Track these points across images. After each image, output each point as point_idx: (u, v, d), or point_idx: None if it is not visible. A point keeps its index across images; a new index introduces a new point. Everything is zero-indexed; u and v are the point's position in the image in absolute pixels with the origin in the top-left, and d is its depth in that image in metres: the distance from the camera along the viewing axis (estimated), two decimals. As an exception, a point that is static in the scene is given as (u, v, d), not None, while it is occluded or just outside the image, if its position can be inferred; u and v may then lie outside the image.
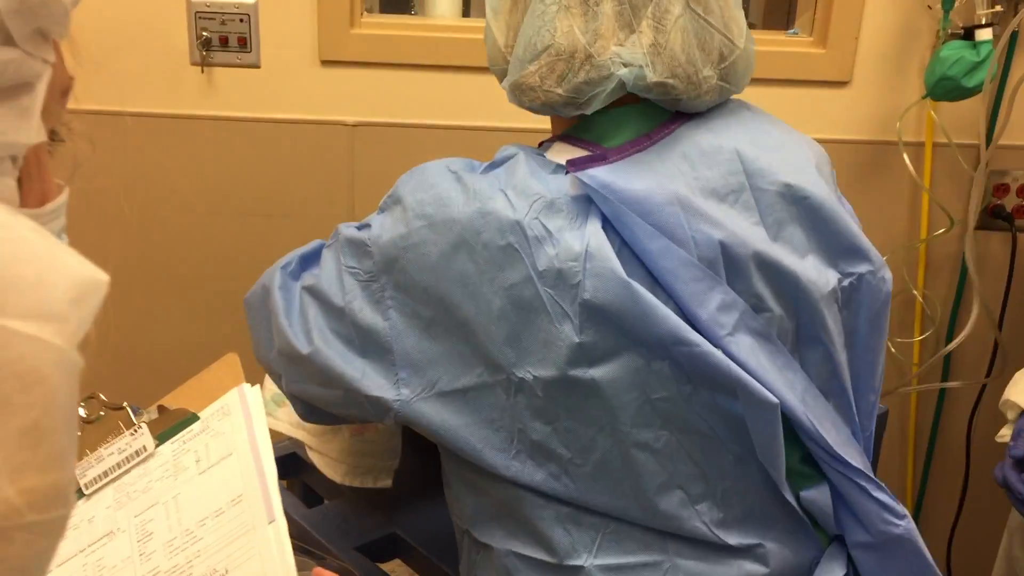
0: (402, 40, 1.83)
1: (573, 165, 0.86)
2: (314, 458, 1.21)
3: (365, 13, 1.86)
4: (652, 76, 0.84)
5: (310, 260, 1.01)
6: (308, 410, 1.02)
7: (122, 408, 0.72)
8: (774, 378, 0.86)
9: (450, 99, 1.88)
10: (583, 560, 0.89)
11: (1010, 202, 1.86)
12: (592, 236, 0.82)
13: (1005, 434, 1.28)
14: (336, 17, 1.79)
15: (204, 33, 1.78)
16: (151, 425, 0.72)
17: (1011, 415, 1.28)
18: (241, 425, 0.69)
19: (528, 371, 0.84)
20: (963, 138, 1.80)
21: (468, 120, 1.89)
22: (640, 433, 0.86)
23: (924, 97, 1.74)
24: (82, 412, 0.73)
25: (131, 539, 0.67)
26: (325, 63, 1.83)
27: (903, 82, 1.81)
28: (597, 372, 0.84)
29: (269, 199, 1.92)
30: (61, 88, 0.46)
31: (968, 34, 1.66)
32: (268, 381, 1.31)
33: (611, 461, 0.87)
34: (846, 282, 0.92)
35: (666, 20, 0.84)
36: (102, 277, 0.37)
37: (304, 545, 1.04)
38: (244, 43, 1.81)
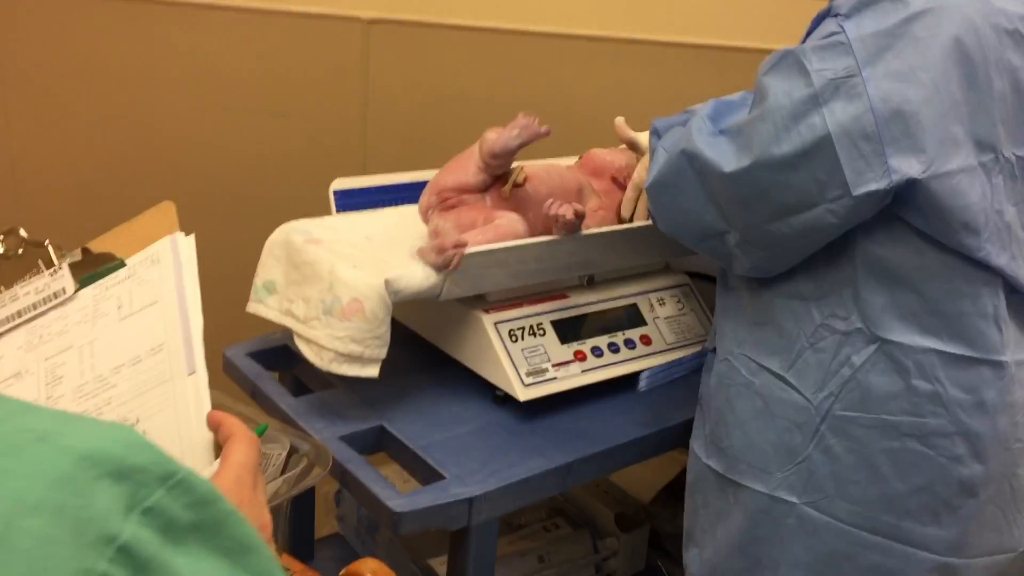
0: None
1: None
2: (300, 345, 1.17)
3: (384, -100, 1.78)
4: None
5: (721, 114, 1.05)
6: (765, 258, 1.03)
7: (43, 246, 0.68)
8: None
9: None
10: (1006, 356, 0.96)
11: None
12: None
13: None
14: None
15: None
16: (73, 267, 0.68)
17: None
18: (170, 274, 0.65)
19: (1014, 151, 0.96)
20: None
21: (496, 21, 1.81)
22: None
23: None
24: (-1, 247, 0.69)
25: (39, 381, 0.63)
26: (341, -47, 1.77)
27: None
28: None
29: (278, 97, 1.87)
30: None
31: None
32: (260, 268, 1.27)
33: None
34: None
35: None
36: None
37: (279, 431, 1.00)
38: (257, -71, 1.75)
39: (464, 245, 1.15)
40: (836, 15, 0.96)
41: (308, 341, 1.15)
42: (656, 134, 1.13)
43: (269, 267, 1.26)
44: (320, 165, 1.90)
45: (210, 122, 1.89)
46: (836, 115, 0.91)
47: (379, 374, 1.14)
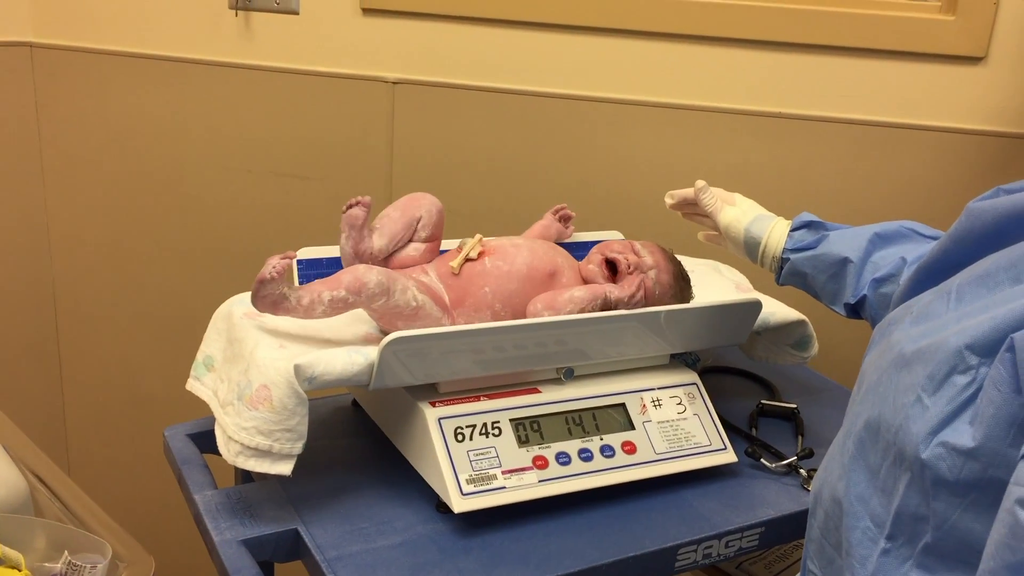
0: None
1: None
2: (217, 433, 1.05)
3: (408, -44, 1.69)
4: None
5: None
6: None
7: None
8: None
9: (503, 58, 1.69)
10: None
11: None
12: None
13: None
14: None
15: (237, -27, 1.67)
16: None
17: None
18: None
19: None
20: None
21: (522, 83, 1.70)
22: None
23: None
24: None
25: None
26: (367, 12, 1.69)
27: (1041, 54, 1.48)
28: None
29: (302, 159, 1.79)
30: None
31: None
32: (203, 342, 1.17)
33: None
34: None
35: None
36: None
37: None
38: (276, -15, 1.69)
39: (291, 257, 1.05)
40: None
41: (221, 429, 1.03)
42: None
43: (211, 341, 1.16)
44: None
45: (234, 183, 1.82)
46: None
47: (322, 465, 1.02)
